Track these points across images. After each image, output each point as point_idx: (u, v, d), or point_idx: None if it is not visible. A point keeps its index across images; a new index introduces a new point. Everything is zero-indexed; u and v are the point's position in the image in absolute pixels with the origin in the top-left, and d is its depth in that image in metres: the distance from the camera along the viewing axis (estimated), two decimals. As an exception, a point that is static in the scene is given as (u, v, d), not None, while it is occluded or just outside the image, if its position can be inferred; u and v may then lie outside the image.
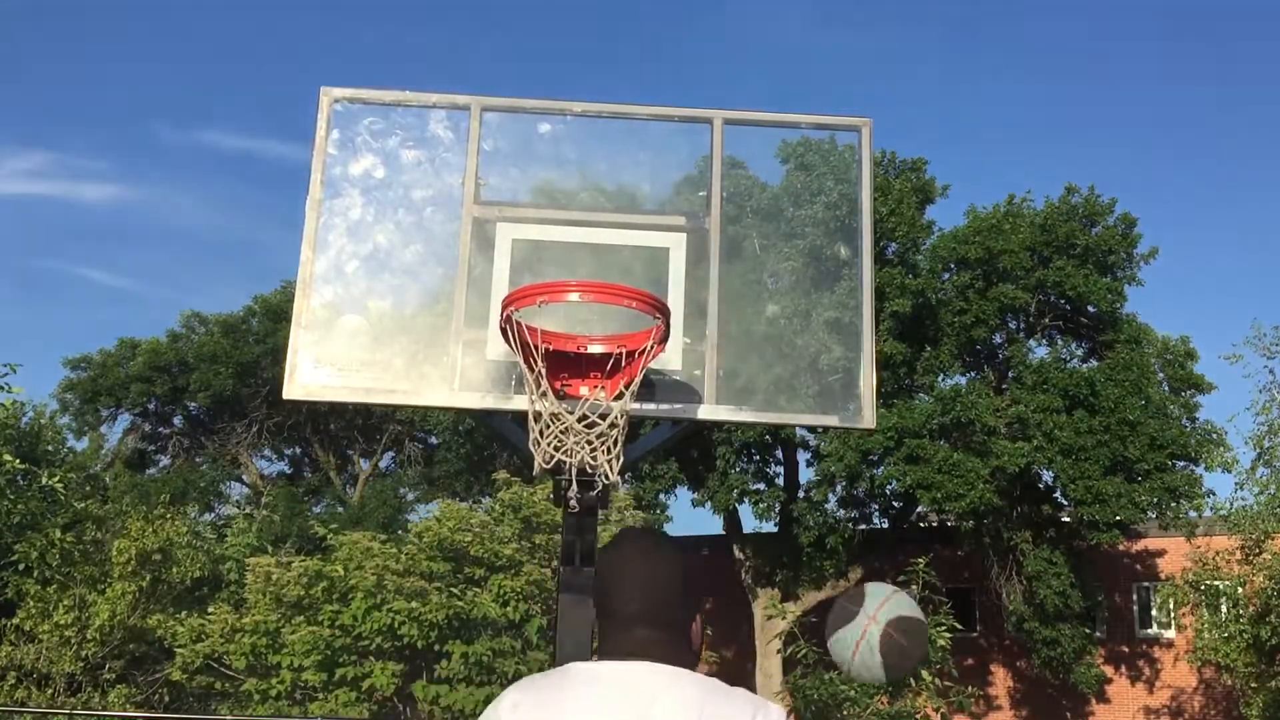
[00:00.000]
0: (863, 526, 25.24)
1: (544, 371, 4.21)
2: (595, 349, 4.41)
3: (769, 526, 25.26)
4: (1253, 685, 19.01)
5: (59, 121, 55.14)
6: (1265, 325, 20.38)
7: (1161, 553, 27.75)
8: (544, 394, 4.22)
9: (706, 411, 4.66)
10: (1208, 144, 54.75)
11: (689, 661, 2.17)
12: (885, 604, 3.32)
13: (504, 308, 4.24)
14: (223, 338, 31.24)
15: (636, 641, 2.16)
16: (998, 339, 25.57)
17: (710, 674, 2.16)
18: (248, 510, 27.39)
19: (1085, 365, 24.64)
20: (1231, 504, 19.48)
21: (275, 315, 30.49)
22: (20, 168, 54.16)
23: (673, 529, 26.45)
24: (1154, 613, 27.72)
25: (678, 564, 2.25)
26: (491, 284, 4.74)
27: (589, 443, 4.16)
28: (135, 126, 56.67)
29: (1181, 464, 23.15)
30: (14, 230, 55.02)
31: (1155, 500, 22.78)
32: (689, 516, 53.65)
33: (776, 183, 5.23)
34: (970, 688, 13.26)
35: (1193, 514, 23.03)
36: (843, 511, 24.69)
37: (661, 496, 24.21)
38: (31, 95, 54.02)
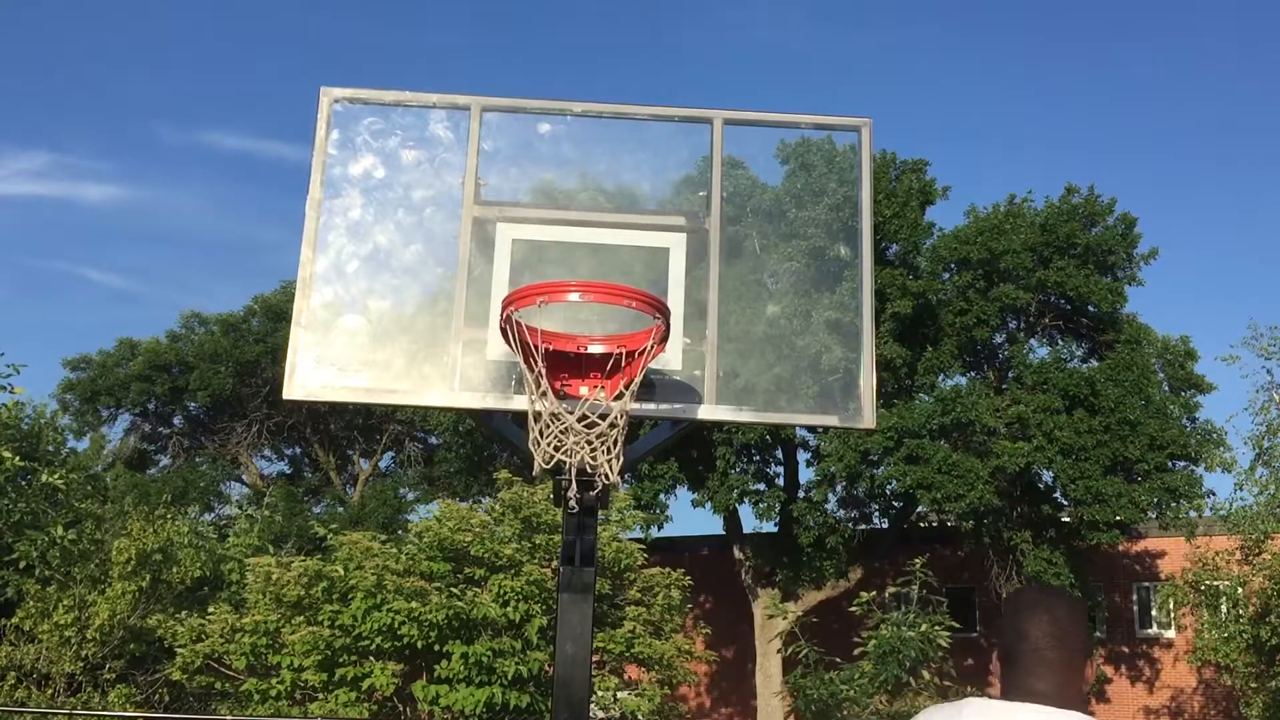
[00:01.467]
0: (863, 526, 25.23)
1: (544, 371, 4.21)
2: (595, 349, 4.42)
3: (769, 526, 25.27)
4: (1253, 685, 19.00)
5: (60, 122, 55.24)
6: (1261, 326, 20.29)
7: (1161, 553, 27.74)
8: (544, 394, 4.22)
9: (706, 411, 4.66)
10: (1208, 144, 54.76)
11: (1079, 704, 2.33)
12: None
13: (504, 308, 4.24)
14: (223, 337, 31.23)
15: (1033, 684, 2.35)
16: (998, 339, 25.57)
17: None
18: (250, 511, 27.36)
19: (1085, 365, 24.64)
20: (1231, 504, 19.48)
21: (275, 315, 30.49)
22: (22, 168, 54.21)
23: (673, 529, 26.49)
24: (1154, 613, 27.72)
25: (1081, 611, 2.41)
26: (491, 284, 4.74)
27: (589, 443, 4.16)
28: (136, 127, 56.76)
29: (1181, 464, 23.15)
30: (16, 230, 55.09)
31: (1155, 500, 22.78)
32: (689, 516, 53.71)
33: (777, 183, 5.23)
34: (970, 688, 13.24)
35: (1193, 514, 23.03)
36: (843, 511, 24.70)
37: (661, 496, 24.19)
38: (33, 96, 54.07)
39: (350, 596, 12.63)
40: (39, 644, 14.81)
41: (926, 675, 11.84)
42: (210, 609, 14.38)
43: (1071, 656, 2.34)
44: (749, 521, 25.42)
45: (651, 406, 4.59)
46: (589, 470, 4.20)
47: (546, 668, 12.43)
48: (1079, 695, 2.33)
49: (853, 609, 13.00)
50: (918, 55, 59.21)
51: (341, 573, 12.91)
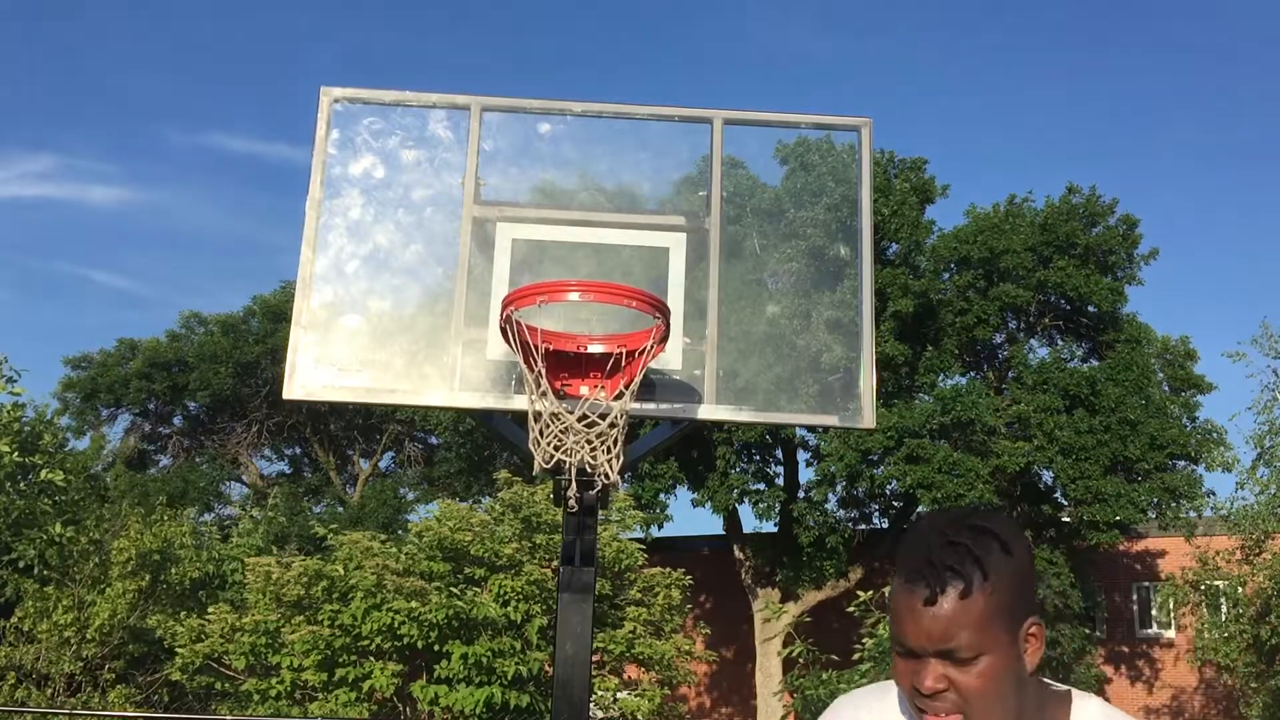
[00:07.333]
0: (863, 526, 25.24)
1: (544, 371, 4.21)
2: (595, 349, 4.41)
3: (769, 526, 25.26)
4: (1253, 685, 19.00)
5: (66, 124, 55.25)
6: (1274, 325, 20.13)
7: (1161, 553, 27.74)
8: (544, 394, 4.22)
9: (706, 411, 4.66)
10: (1209, 144, 54.77)
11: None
12: None
13: (504, 307, 4.24)
14: (222, 337, 31.25)
15: None
16: (998, 339, 25.58)
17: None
18: (252, 511, 27.38)
19: (1085, 365, 24.65)
20: (1232, 504, 19.49)
21: (275, 315, 30.50)
22: (27, 170, 54.21)
23: (673, 529, 26.48)
24: (1154, 613, 27.72)
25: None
26: (491, 284, 4.73)
27: (589, 442, 4.16)
28: (141, 129, 56.78)
29: (1181, 464, 23.16)
30: (21, 232, 55.08)
31: (1155, 500, 22.79)
32: (689, 516, 53.72)
33: (776, 183, 5.23)
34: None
35: (1193, 514, 23.04)
36: (843, 511, 24.69)
37: (661, 496, 24.20)
38: (38, 98, 54.07)
39: (350, 596, 12.63)
40: (38, 644, 14.81)
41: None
42: (210, 609, 14.38)
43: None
44: (749, 521, 25.46)
45: (651, 406, 4.59)
46: (589, 470, 4.20)
47: (546, 668, 12.43)
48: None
49: (850, 609, 13.00)
50: (918, 57, 59.23)
51: (341, 572, 12.91)
